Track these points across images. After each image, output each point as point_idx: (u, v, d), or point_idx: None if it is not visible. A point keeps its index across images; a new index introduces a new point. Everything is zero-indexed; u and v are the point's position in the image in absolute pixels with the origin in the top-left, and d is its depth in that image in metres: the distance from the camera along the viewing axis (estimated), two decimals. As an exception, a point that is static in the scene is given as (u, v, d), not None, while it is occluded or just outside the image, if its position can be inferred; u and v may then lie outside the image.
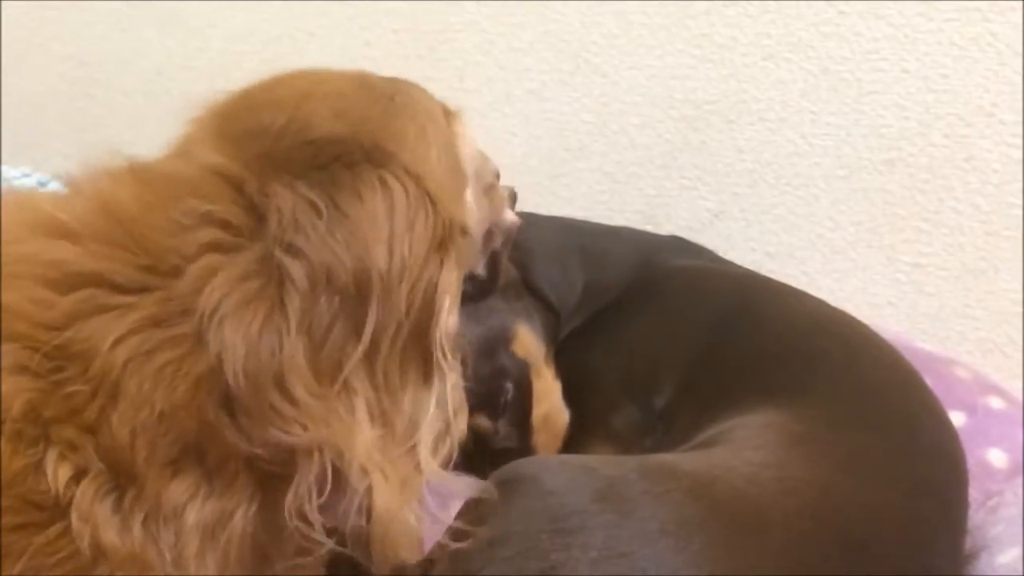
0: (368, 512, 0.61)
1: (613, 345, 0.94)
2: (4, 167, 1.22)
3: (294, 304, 0.60)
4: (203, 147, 0.66)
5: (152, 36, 1.37)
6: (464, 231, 0.69)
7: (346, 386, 0.61)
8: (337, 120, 0.67)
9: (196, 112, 0.70)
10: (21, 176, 1.21)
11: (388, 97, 0.70)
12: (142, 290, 0.59)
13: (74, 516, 0.56)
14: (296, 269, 0.60)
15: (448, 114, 0.77)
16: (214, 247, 0.61)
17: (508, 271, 0.94)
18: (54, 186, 1.21)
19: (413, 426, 0.63)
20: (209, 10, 1.34)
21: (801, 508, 0.67)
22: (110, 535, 0.57)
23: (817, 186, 1.19)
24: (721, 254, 1.07)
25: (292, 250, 0.61)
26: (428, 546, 0.81)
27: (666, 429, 0.86)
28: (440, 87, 1.28)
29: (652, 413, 0.88)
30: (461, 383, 0.68)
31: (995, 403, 0.96)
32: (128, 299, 0.59)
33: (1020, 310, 1.17)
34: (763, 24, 1.15)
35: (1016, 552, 0.77)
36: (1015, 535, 0.79)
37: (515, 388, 0.91)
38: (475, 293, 0.91)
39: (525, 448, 0.92)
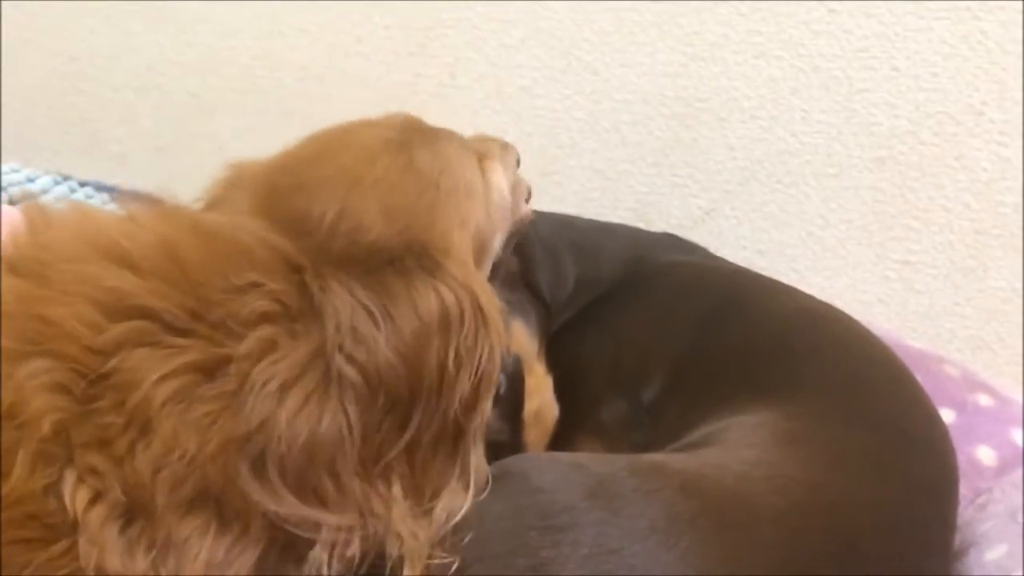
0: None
1: (602, 339, 0.94)
2: (-2, 163, 1.21)
3: (351, 403, 0.62)
4: (254, 220, 0.67)
5: (142, 32, 1.37)
6: (501, 335, 0.71)
7: (387, 469, 0.63)
8: (387, 221, 0.68)
9: (230, 170, 0.71)
10: (10, 172, 1.20)
11: (435, 186, 0.72)
12: (190, 335, 0.60)
13: (82, 538, 0.56)
14: (351, 373, 0.62)
15: (483, 160, 0.79)
16: (270, 319, 0.62)
17: (508, 264, 0.94)
18: (43, 182, 1.20)
19: (437, 492, 0.66)
20: (199, 6, 1.34)
21: (791, 506, 0.68)
22: (114, 560, 0.57)
23: (808, 184, 1.20)
24: (712, 251, 1.07)
25: (351, 359, 0.62)
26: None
27: (653, 423, 0.86)
28: (431, 84, 1.29)
29: (640, 407, 0.88)
30: (482, 455, 0.70)
31: (984, 401, 0.96)
32: (176, 340, 0.59)
33: (1009, 308, 1.18)
34: (754, 22, 1.15)
35: (1004, 549, 0.78)
36: (1003, 532, 0.79)
37: (508, 382, 0.91)
38: None
39: (516, 443, 0.92)
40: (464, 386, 0.65)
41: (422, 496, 0.65)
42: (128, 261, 0.61)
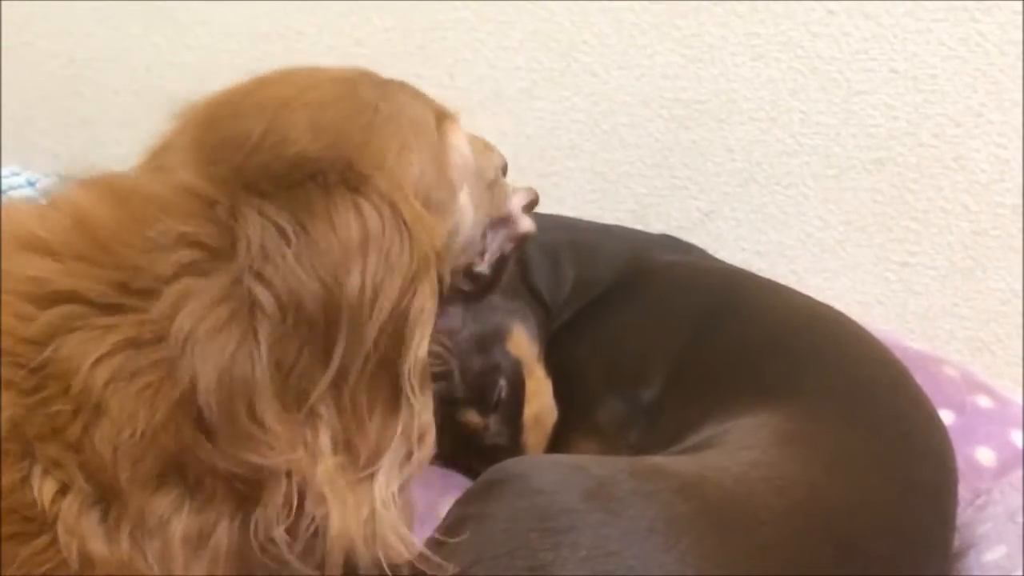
0: (323, 535, 0.61)
1: (600, 339, 0.94)
2: (-4, 165, 1.21)
3: (265, 332, 0.60)
4: (179, 157, 0.66)
5: (141, 34, 1.37)
6: (442, 258, 0.67)
7: (312, 413, 0.61)
8: (315, 135, 0.65)
9: (181, 110, 0.69)
10: (10, 175, 1.20)
11: (373, 108, 0.69)
12: (118, 309, 0.59)
13: (60, 529, 0.57)
14: (266, 297, 0.60)
15: (442, 118, 0.75)
16: (189, 269, 0.61)
17: (511, 269, 0.95)
18: (44, 184, 1.20)
19: (377, 453, 0.63)
20: (198, 7, 1.34)
21: (791, 507, 0.68)
22: (97, 546, 0.57)
23: (807, 185, 1.20)
24: (711, 253, 1.07)
25: (261, 278, 0.60)
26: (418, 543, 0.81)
27: (651, 423, 0.86)
28: (430, 85, 1.28)
29: (638, 407, 0.88)
30: (428, 405, 0.67)
31: (983, 402, 0.96)
32: (105, 319, 0.59)
33: (1008, 309, 1.18)
34: (753, 24, 1.15)
35: (1003, 550, 0.78)
36: (1003, 533, 0.79)
37: (508, 385, 0.92)
38: (477, 291, 0.92)
39: (515, 446, 0.92)
40: (383, 314, 0.62)
41: (356, 455, 0.62)
42: (46, 248, 0.61)
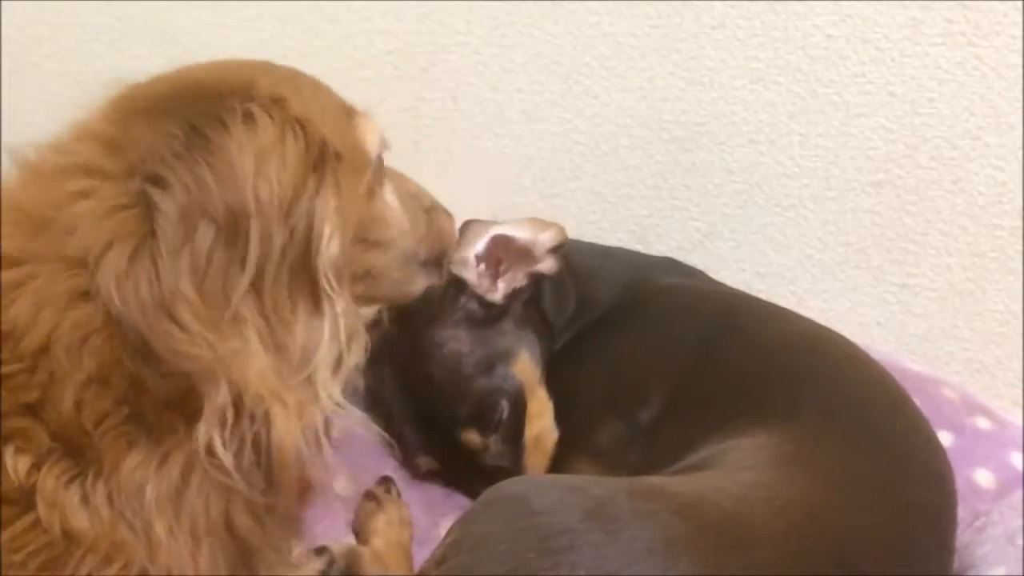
0: (267, 440, 0.61)
1: (600, 360, 0.94)
2: None
3: (166, 232, 0.60)
4: (86, 120, 0.69)
5: (147, 56, 1.38)
6: (339, 156, 0.69)
7: (236, 315, 0.62)
8: (212, 73, 0.69)
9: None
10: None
11: (273, 66, 0.72)
12: (34, 257, 0.61)
13: (40, 504, 0.57)
14: (162, 198, 0.61)
15: (353, 111, 0.77)
16: (82, 195, 0.62)
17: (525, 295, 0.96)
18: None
19: (308, 353, 0.64)
20: (203, 30, 1.35)
21: (789, 528, 0.68)
22: (79, 519, 0.58)
23: (806, 207, 1.20)
24: (711, 274, 1.08)
25: (156, 180, 0.62)
26: (418, 564, 0.81)
27: (650, 443, 0.86)
28: (433, 108, 1.29)
29: (637, 427, 0.88)
30: (353, 310, 0.68)
31: (982, 423, 0.97)
32: (24, 269, 0.61)
33: (1007, 331, 1.18)
34: (752, 47, 1.16)
35: (1002, 572, 0.78)
36: (1001, 555, 0.79)
37: (510, 407, 0.92)
38: (486, 318, 0.93)
39: (516, 467, 0.93)
40: (287, 209, 0.63)
41: (288, 357, 0.63)
42: None
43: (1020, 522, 0.82)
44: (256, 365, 0.61)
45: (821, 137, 1.17)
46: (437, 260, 0.82)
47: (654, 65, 1.20)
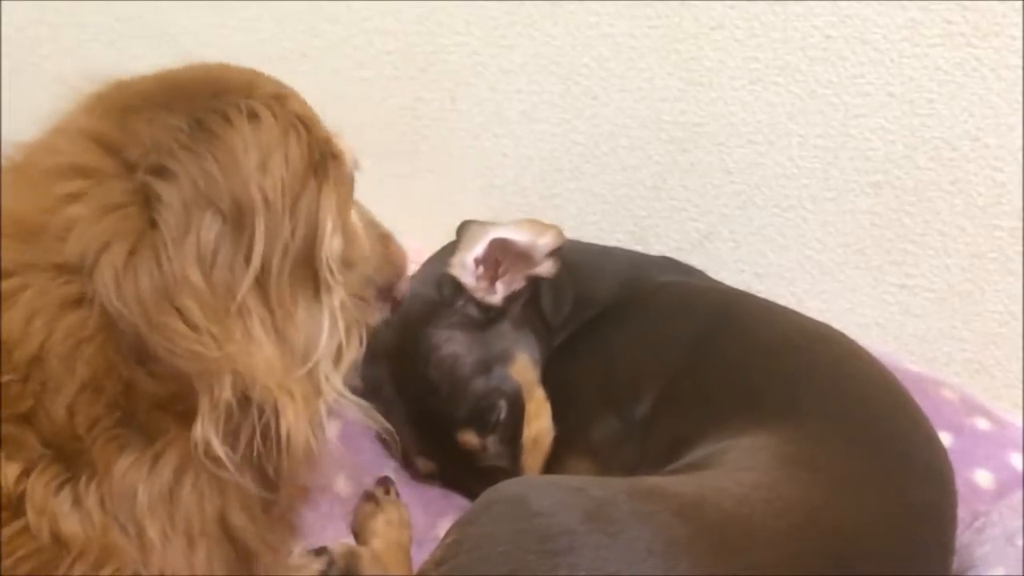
0: (276, 433, 0.61)
1: (596, 357, 0.94)
2: None
3: (168, 223, 0.60)
4: (72, 117, 0.68)
5: (146, 57, 1.38)
6: (335, 156, 0.69)
7: (241, 307, 0.62)
8: (209, 73, 0.69)
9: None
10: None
11: (261, 72, 0.72)
12: (25, 269, 0.60)
13: (29, 510, 0.57)
14: (165, 188, 0.61)
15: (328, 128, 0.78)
16: (73, 197, 0.61)
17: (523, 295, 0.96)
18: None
19: (310, 346, 0.64)
20: (203, 31, 1.35)
21: (790, 529, 0.68)
22: (69, 524, 0.57)
23: (805, 208, 1.20)
24: (710, 274, 1.08)
25: (159, 171, 0.61)
26: (417, 564, 0.81)
27: (644, 438, 0.86)
28: (432, 108, 1.29)
29: (632, 422, 0.88)
30: (349, 303, 0.69)
31: (981, 424, 0.97)
32: (14, 281, 0.60)
33: (1007, 331, 1.18)
34: (751, 48, 1.16)
35: (1002, 572, 0.78)
36: (1001, 555, 0.79)
37: (508, 408, 0.92)
38: (484, 320, 0.93)
39: (514, 468, 0.93)
40: (293, 202, 0.63)
41: (291, 347, 0.63)
42: None
43: (1019, 522, 0.83)
44: (262, 358, 0.61)
45: (820, 138, 1.17)
46: (389, 290, 0.82)
47: (653, 66, 1.20)
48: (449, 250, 0.96)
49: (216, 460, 0.60)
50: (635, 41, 1.20)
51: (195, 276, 0.60)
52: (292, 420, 0.61)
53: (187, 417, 0.60)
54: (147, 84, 0.69)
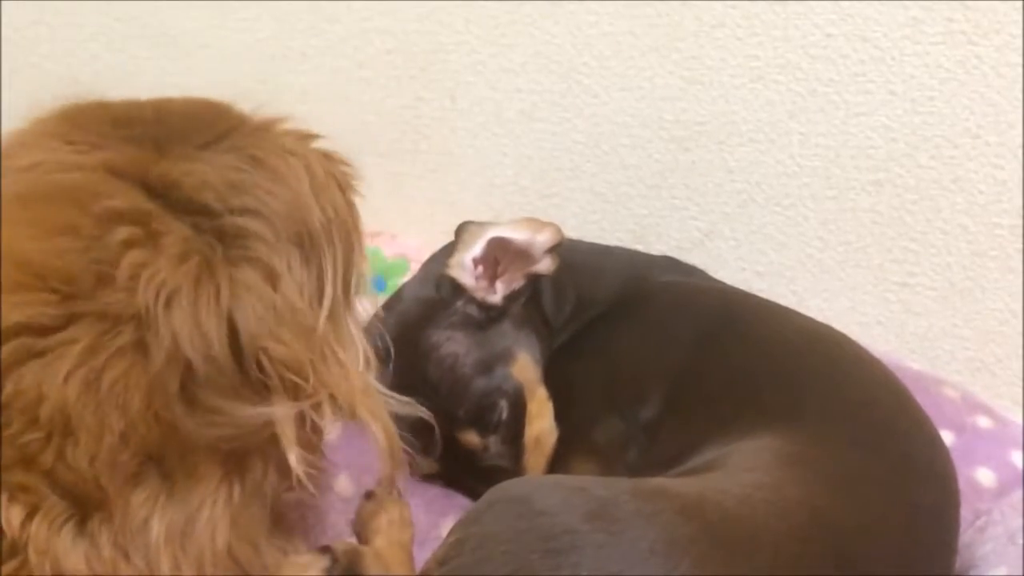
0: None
1: (598, 358, 0.94)
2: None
3: (261, 259, 0.61)
4: (62, 146, 0.66)
5: (146, 56, 1.38)
6: (351, 173, 0.72)
7: (324, 333, 0.64)
8: (200, 102, 0.69)
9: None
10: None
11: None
12: (72, 320, 0.58)
13: (31, 552, 0.56)
14: (254, 224, 0.61)
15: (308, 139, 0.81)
16: (134, 243, 0.60)
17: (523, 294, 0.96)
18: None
19: (366, 361, 0.68)
20: (202, 30, 1.35)
21: (792, 530, 0.68)
22: (73, 562, 0.56)
23: (806, 206, 1.20)
24: (711, 273, 1.07)
25: (243, 210, 0.62)
26: (419, 564, 0.81)
27: (649, 441, 0.86)
28: (432, 107, 1.29)
29: (636, 424, 0.88)
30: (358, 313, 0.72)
31: (983, 422, 0.97)
32: (61, 335, 0.58)
33: (1008, 329, 1.18)
34: (752, 46, 1.16)
35: (1004, 572, 0.78)
36: (1003, 555, 0.79)
37: (509, 407, 0.92)
38: (485, 319, 0.92)
39: (516, 467, 0.92)
40: (343, 222, 0.66)
41: (356, 361, 0.67)
42: None
43: (1021, 521, 0.82)
44: (354, 381, 0.64)
45: (821, 136, 1.17)
46: None
47: (654, 64, 1.20)
48: (448, 250, 0.95)
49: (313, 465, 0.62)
50: (635, 40, 1.20)
51: (292, 307, 0.61)
52: (378, 433, 0.64)
53: (233, 455, 0.61)
54: (144, 110, 0.68)
